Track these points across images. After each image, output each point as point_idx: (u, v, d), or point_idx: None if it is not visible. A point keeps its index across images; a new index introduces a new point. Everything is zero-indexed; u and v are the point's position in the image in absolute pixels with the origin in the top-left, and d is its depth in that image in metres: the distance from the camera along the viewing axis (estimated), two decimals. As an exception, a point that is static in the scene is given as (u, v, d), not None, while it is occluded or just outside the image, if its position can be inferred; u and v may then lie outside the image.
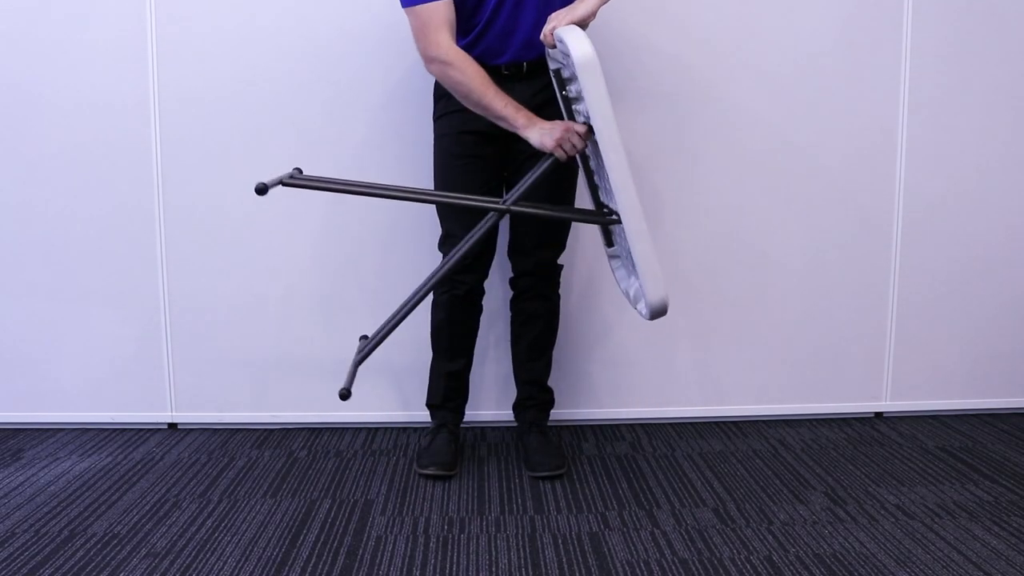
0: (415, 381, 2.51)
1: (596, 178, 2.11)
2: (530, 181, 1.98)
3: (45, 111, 2.44)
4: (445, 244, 2.22)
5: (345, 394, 1.80)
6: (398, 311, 1.97)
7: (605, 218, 2.04)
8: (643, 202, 1.86)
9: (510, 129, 2.03)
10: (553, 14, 1.96)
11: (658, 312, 1.93)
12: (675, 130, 2.53)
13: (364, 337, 2.20)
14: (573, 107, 2.01)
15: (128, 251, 2.50)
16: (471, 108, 2.06)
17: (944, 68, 2.56)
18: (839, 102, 2.55)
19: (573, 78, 1.90)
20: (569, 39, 1.79)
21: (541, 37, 1.97)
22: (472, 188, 2.13)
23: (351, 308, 2.54)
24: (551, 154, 1.97)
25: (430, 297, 2.31)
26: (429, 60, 2.05)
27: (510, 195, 2.00)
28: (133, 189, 2.48)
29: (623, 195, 1.84)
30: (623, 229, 1.91)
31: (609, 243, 2.19)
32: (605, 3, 1.97)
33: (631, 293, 2.08)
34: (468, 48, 2.07)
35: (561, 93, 2.04)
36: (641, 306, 1.99)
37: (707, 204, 2.56)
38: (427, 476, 2.21)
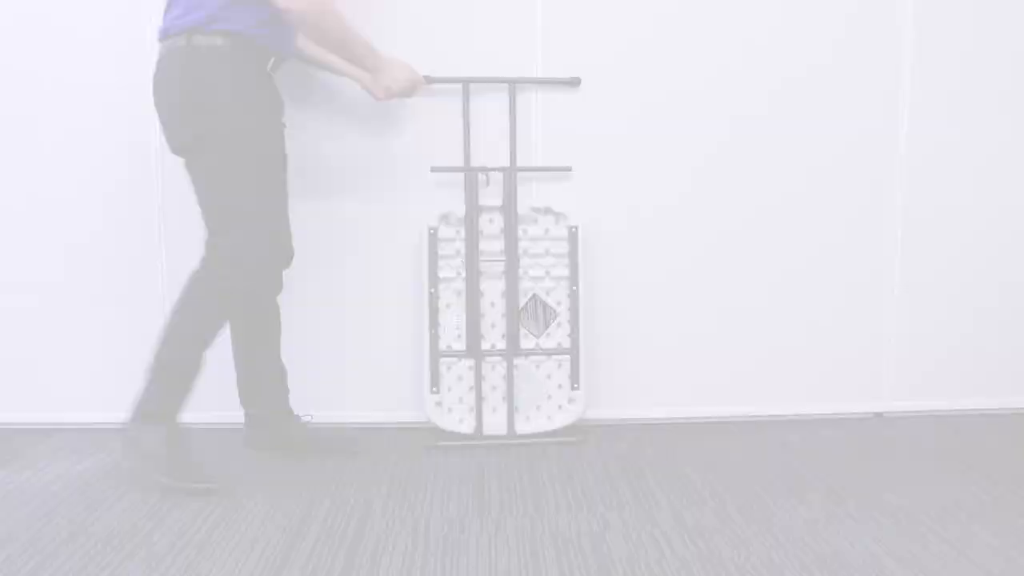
0: (415, 381, 2.51)
1: None
2: None
3: (47, 106, 2.45)
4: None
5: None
6: None
7: None
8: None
9: (355, 72, 2.26)
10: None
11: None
12: (673, 130, 2.53)
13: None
14: None
15: (128, 251, 2.50)
16: (328, 45, 2.11)
17: (945, 68, 2.56)
18: (839, 102, 2.55)
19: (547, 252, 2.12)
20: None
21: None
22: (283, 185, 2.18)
23: (349, 309, 2.54)
24: None
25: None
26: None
27: None
28: (133, 189, 2.48)
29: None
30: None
31: None
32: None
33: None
34: (266, 27, 2.02)
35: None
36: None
37: (707, 204, 2.57)
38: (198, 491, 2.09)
